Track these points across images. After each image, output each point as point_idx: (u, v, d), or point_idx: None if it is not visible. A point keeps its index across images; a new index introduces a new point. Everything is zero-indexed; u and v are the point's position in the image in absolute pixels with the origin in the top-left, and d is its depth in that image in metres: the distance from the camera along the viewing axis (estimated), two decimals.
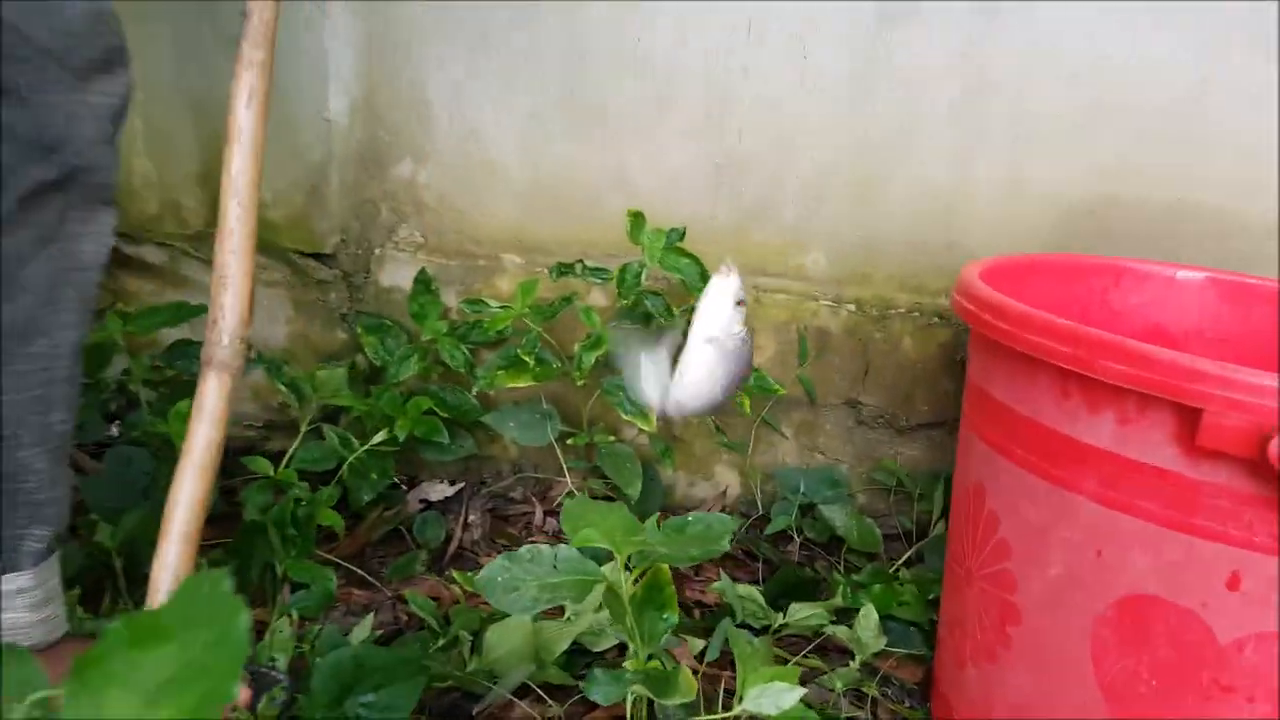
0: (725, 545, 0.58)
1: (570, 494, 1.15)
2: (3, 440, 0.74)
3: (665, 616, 0.61)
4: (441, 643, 0.87)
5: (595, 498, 1.16)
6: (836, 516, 1.06)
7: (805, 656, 0.90)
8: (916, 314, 1.16)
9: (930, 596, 0.96)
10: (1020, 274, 0.91)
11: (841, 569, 1.07)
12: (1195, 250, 1.08)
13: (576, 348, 1.07)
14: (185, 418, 0.99)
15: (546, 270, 1.20)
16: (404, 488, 1.22)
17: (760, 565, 1.08)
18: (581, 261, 1.09)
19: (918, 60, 1.08)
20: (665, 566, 0.62)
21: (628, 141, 1.16)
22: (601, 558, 0.62)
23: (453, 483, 1.24)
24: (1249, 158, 1.05)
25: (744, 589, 0.91)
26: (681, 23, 1.10)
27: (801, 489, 1.14)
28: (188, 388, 1.04)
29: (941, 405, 1.17)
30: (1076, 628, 0.69)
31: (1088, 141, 1.08)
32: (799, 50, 1.09)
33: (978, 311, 0.73)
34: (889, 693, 0.88)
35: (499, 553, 1.11)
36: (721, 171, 1.15)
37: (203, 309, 1.05)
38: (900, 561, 1.07)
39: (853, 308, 1.17)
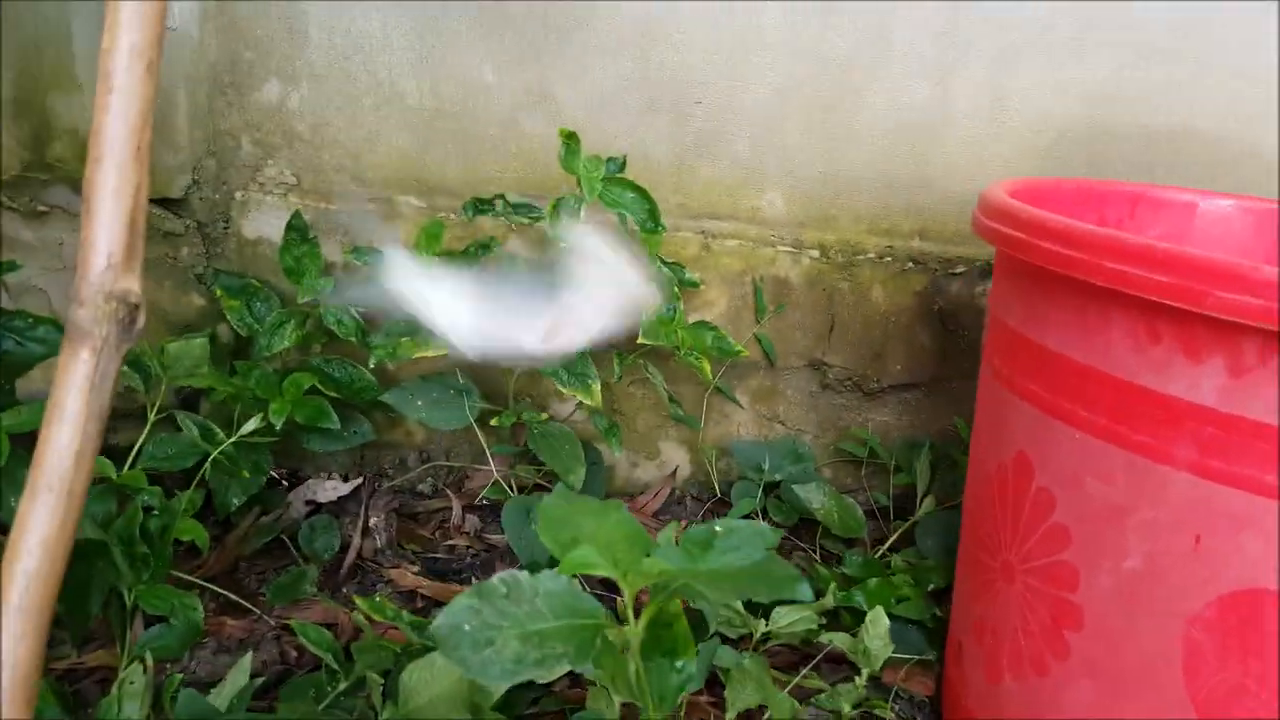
0: (806, 592, 0.39)
1: (496, 484, 0.96)
2: None
3: (680, 665, 0.44)
4: (343, 686, 0.67)
5: (525, 489, 0.97)
6: (813, 497, 0.91)
7: (799, 672, 0.74)
8: (888, 259, 1.01)
9: (930, 587, 0.82)
10: (1035, 198, 0.76)
11: (819, 558, 0.92)
12: (1200, 181, 0.96)
13: None
14: None
15: (454, 217, 0.99)
16: (284, 485, 1.00)
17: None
18: (502, 196, 0.89)
19: None
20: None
21: (550, 52, 0.96)
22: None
23: (346, 478, 1.02)
24: (1258, 82, 0.93)
25: None
26: None
27: (764, 465, 0.98)
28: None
29: (918, 363, 1.03)
30: (1161, 632, 0.55)
31: (1079, 60, 0.95)
32: None
33: (1025, 237, 0.58)
34: (898, 709, 0.73)
35: (409, 563, 0.91)
36: (660, 92, 0.97)
37: (12, 265, 0.81)
38: (885, 546, 0.92)
39: (815, 254, 1.01)
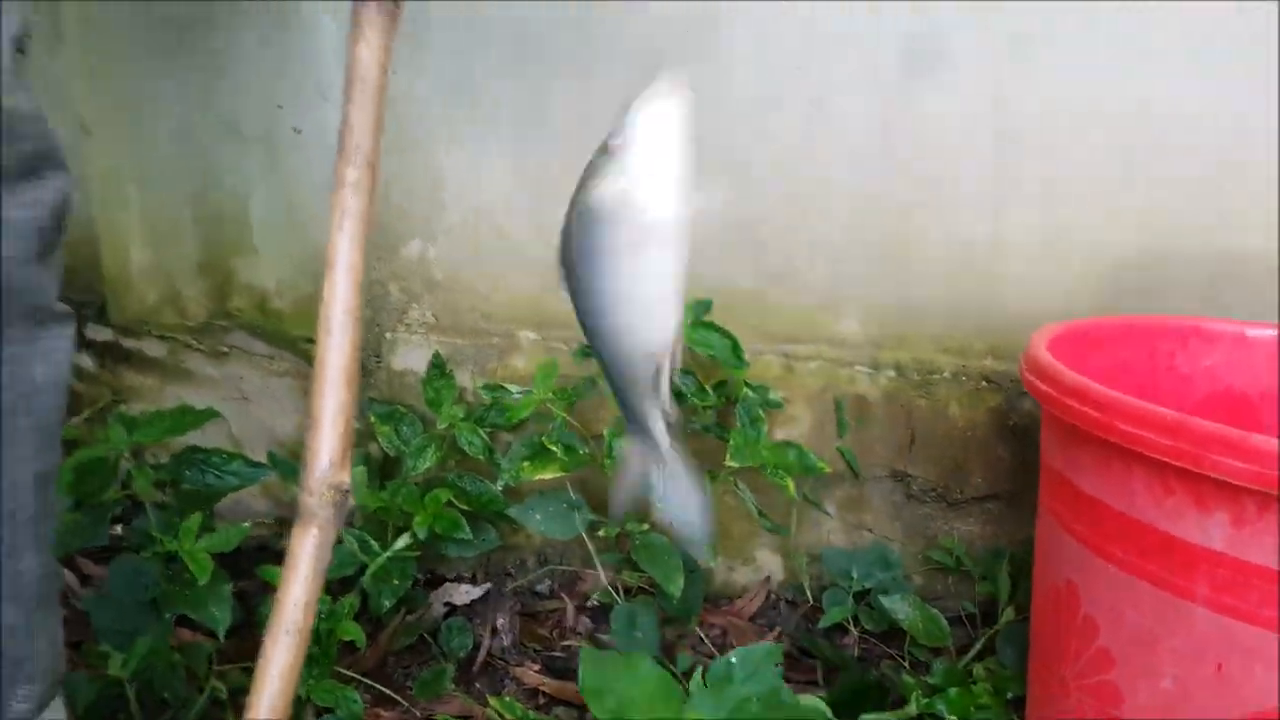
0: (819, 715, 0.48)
1: (604, 589, 1.08)
2: None
3: None
4: None
5: (630, 591, 1.08)
6: (898, 608, 0.99)
7: None
8: (962, 378, 1.09)
9: (1009, 696, 0.88)
10: (1084, 340, 0.85)
11: (907, 665, 0.99)
12: (1253, 301, 1.01)
13: (606, 433, 1.01)
14: (195, 534, 0.93)
15: (564, 346, 1.14)
16: (424, 585, 1.14)
17: (818, 665, 1.00)
18: None
19: (945, 111, 1.03)
20: None
21: None
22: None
23: (474, 578, 1.16)
24: None
25: (808, 701, 0.83)
26: (694, 87, 1.04)
27: (853, 573, 1.06)
28: (197, 499, 0.98)
29: (996, 475, 1.10)
30: None
31: (1128, 191, 1.02)
32: (816, 109, 1.04)
33: (1058, 395, 0.67)
34: None
35: (530, 660, 1.04)
36: (739, 235, 1.09)
37: (212, 413, 0.99)
38: (970, 656, 0.99)
39: (892, 373, 1.11)
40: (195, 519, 0.93)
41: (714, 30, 1.02)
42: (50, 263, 0.66)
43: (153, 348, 1.19)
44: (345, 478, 0.58)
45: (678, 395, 1.00)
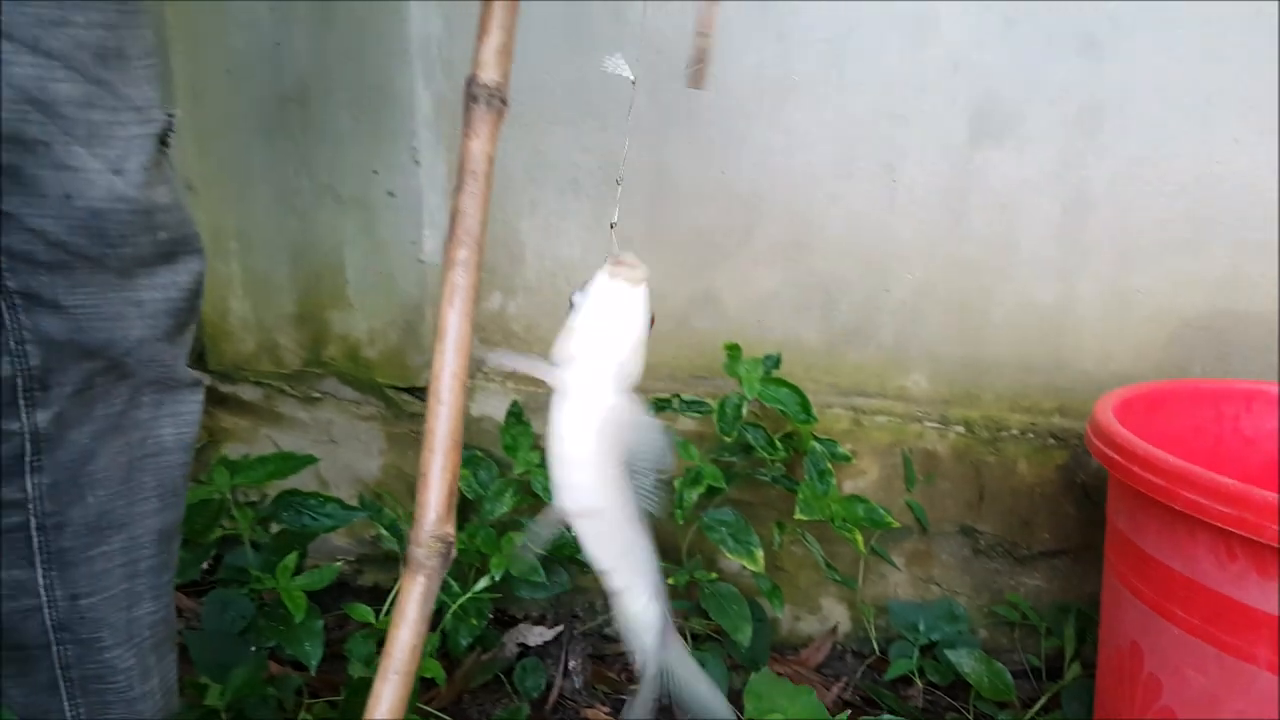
0: None
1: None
2: (83, 643, 0.73)
3: None
4: None
5: (698, 637, 1.13)
6: (964, 661, 1.02)
7: None
8: (1030, 435, 1.12)
9: None
10: (1149, 404, 0.88)
11: (972, 718, 1.02)
12: None
13: (676, 484, 1.06)
14: (291, 572, 1.00)
15: (634, 392, 1.19)
16: (497, 624, 1.20)
17: (883, 717, 1.03)
18: (678, 396, 1.08)
19: (1014, 177, 1.07)
20: None
21: (715, 265, 1.16)
22: None
23: (543, 618, 1.22)
24: None
25: None
26: (766, 155, 1.11)
27: (920, 626, 1.09)
28: (293, 539, 1.06)
29: (1064, 532, 1.12)
30: None
31: (1195, 255, 1.05)
32: (888, 175, 1.09)
33: (1123, 462, 0.70)
34: None
35: (601, 703, 1.09)
36: (811, 293, 1.15)
37: (310, 459, 1.07)
38: (1035, 710, 1.01)
39: (961, 429, 1.14)
40: (292, 558, 1.00)
41: (787, 100, 1.09)
42: (183, 338, 0.73)
43: (248, 392, 1.29)
44: (450, 530, 0.64)
45: (746, 448, 1.05)
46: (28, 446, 0.70)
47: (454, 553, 0.64)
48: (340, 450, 1.28)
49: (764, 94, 1.09)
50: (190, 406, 0.76)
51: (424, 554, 0.63)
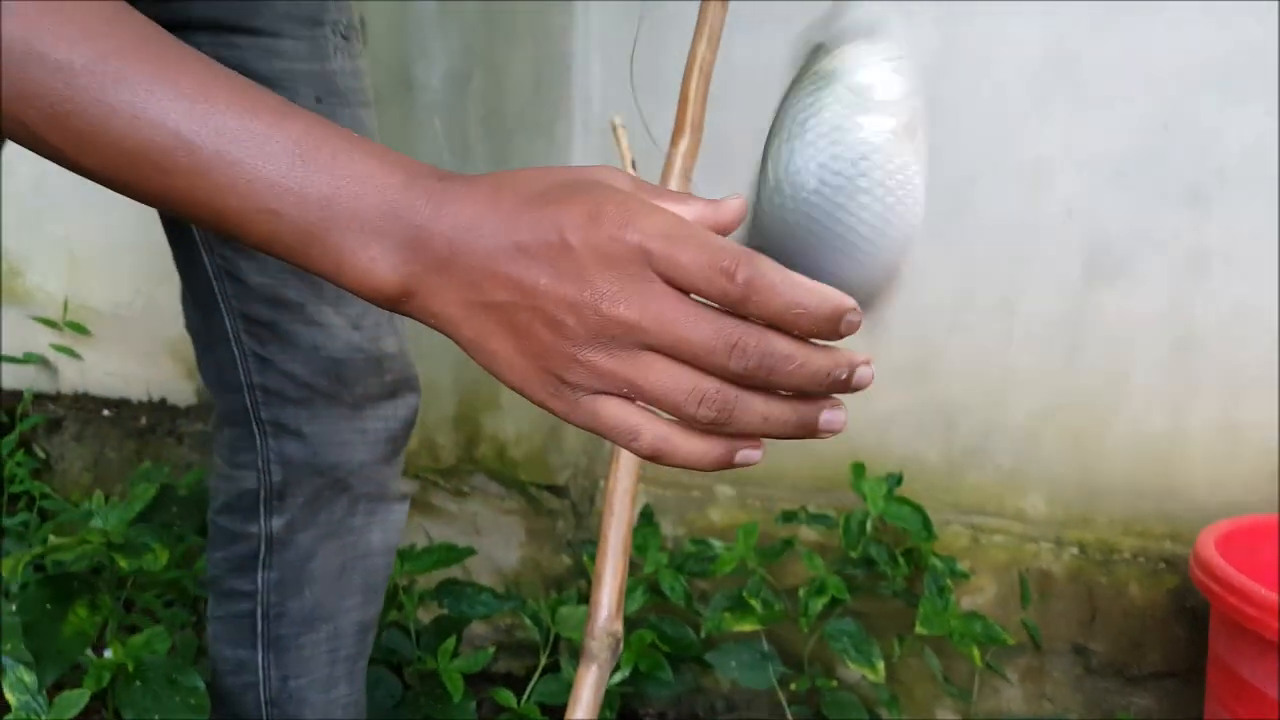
0: None
1: None
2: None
3: None
4: None
5: None
6: None
7: None
8: (1142, 559, 1.24)
9: None
10: (1250, 537, 1.00)
11: None
12: None
13: (801, 593, 1.20)
14: (450, 655, 1.17)
15: (758, 503, 1.35)
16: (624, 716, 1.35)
17: None
18: (804, 509, 1.24)
19: (1126, 316, 1.21)
20: None
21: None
22: None
23: (661, 714, 1.36)
24: None
25: None
26: None
27: None
28: (452, 625, 1.23)
29: (1174, 654, 1.22)
30: None
31: None
32: (1007, 309, 1.24)
33: (1221, 593, 0.83)
34: None
35: None
36: (932, 415, 1.29)
37: (469, 551, 1.25)
38: None
39: (1076, 550, 1.26)
40: (451, 641, 1.18)
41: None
42: (397, 459, 0.92)
43: (407, 485, 1.48)
44: (619, 627, 0.81)
45: (869, 562, 1.19)
46: (262, 547, 0.89)
47: (621, 646, 0.80)
48: (483, 541, 1.46)
49: None
50: (397, 516, 0.94)
51: (597, 646, 0.80)
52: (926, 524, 1.17)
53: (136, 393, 1.55)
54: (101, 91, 0.40)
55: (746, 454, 0.41)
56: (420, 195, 0.41)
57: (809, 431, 0.41)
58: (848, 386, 0.40)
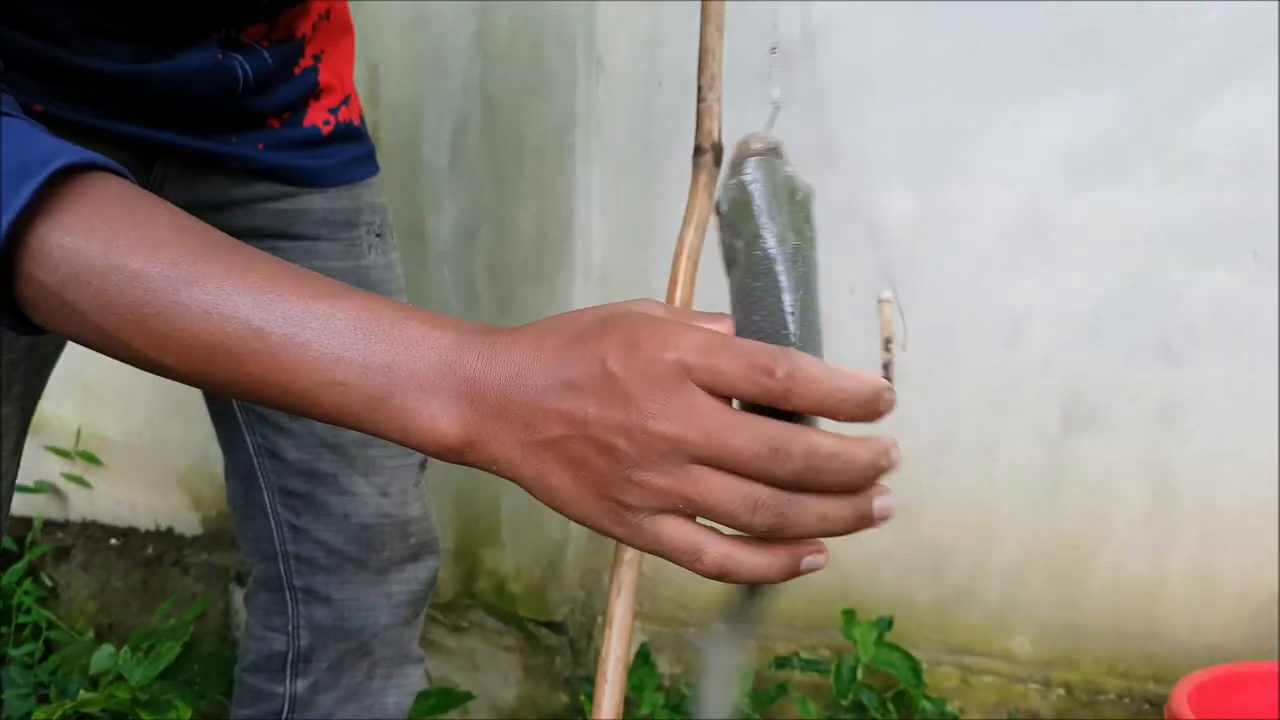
0: None
1: None
2: None
3: None
4: None
5: None
6: None
7: None
8: (1126, 699, 1.29)
9: None
10: (1225, 686, 1.06)
11: None
12: None
13: None
14: None
15: (754, 643, 1.40)
16: None
17: None
18: (798, 654, 1.29)
19: (1104, 463, 1.29)
20: None
21: None
22: None
23: None
24: None
25: None
26: (875, 432, 1.35)
27: None
28: None
29: None
30: None
31: (1274, 536, 1.24)
32: (988, 455, 1.32)
33: None
34: None
35: None
36: (921, 555, 1.36)
37: (468, 696, 1.30)
38: None
39: (1062, 691, 1.31)
40: None
41: (897, 383, 1.34)
42: (417, 621, 0.98)
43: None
44: None
45: (860, 706, 1.25)
46: (286, 707, 0.96)
47: None
48: (480, 677, 1.51)
49: None
50: (413, 680, 1.00)
51: None
52: (916, 670, 1.23)
53: (144, 522, 1.62)
54: (175, 293, 0.45)
55: (812, 560, 0.44)
56: (471, 350, 0.45)
57: (866, 522, 0.44)
58: (889, 470, 0.44)
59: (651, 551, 0.43)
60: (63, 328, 0.48)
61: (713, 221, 0.47)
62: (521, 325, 0.46)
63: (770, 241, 0.45)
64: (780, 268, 0.45)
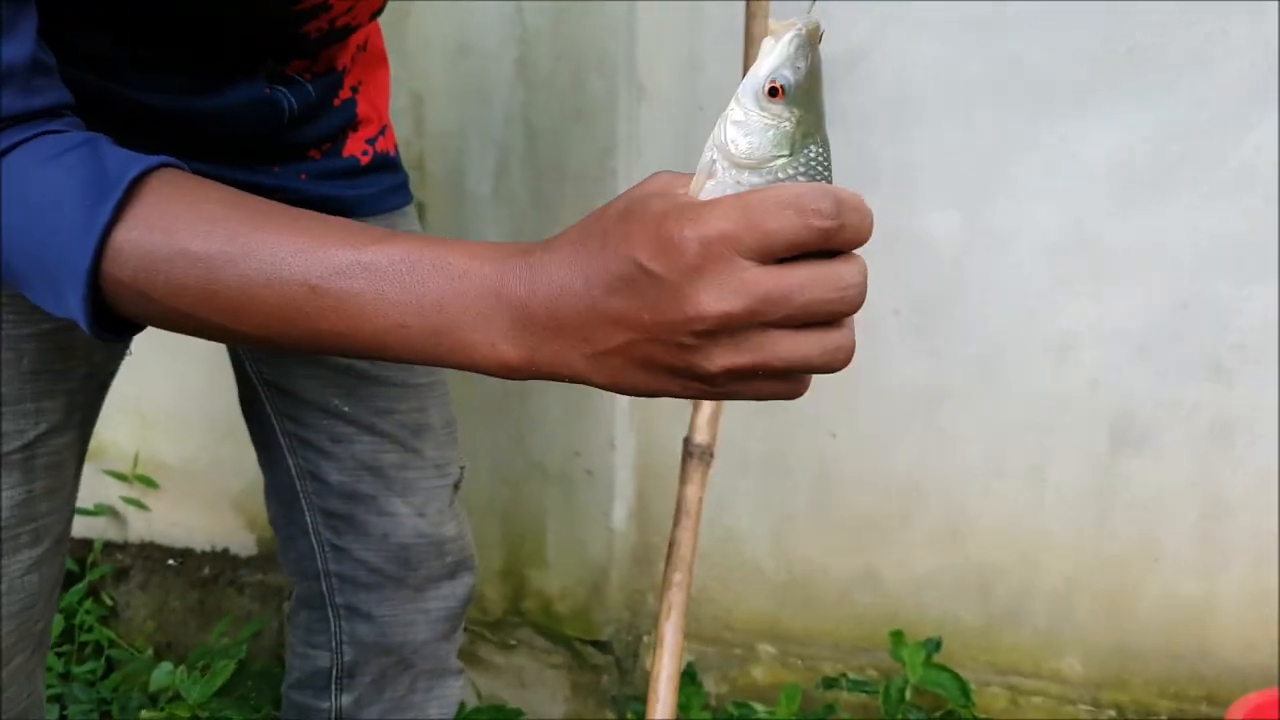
0: None
1: None
2: None
3: None
4: None
5: None
6: None
7: None
8: None
9: None
10: (1268, 712, 1.06)
11: None
12: None
13: None
14: None
15: (800, 662, 1.43)
16: None
17: None
18: (845, 675, 1.31)
19: (1154, 483, 1.29)
20: None
21: (876, 546, 1.41)
22: None
23: None
24: None
25: None
26: (923, 451, 1.37)
27: None
28: None
29: None
30: None
31: None
32: (1037, 476, 1.33)
33: None
34: None
35: None
36: (968, 577, 1.37)
37: (518, 713, 1.34)
38: None
39: (1113, 713, 1.32)
40: None
41: (941, 405, 1.35)
42: (455, 635, 1.02)
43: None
44: None
45: None
46: None
47: None
48: (528, 694, 1.55)
49: (918, 400, 1.36)
50: (454, 691, 1.04)
51: None
52: (965, 690, 1.24)
53: (200, 543, 1.68)
54: (235, 267, 0.49)
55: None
56: (512, 277, 0.47)
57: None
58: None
59: (752, 399, 0.46)
60: (145, 315, 0.53)
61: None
62: (556, 238, 0.48)
63: (824, 133, 0.45)
64: (828, 156, 0.45)
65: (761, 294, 0.42)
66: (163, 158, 0.53)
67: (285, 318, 0.50)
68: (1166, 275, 1.27)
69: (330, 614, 0.99)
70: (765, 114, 0.44)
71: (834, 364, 0.44)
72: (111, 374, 0.85)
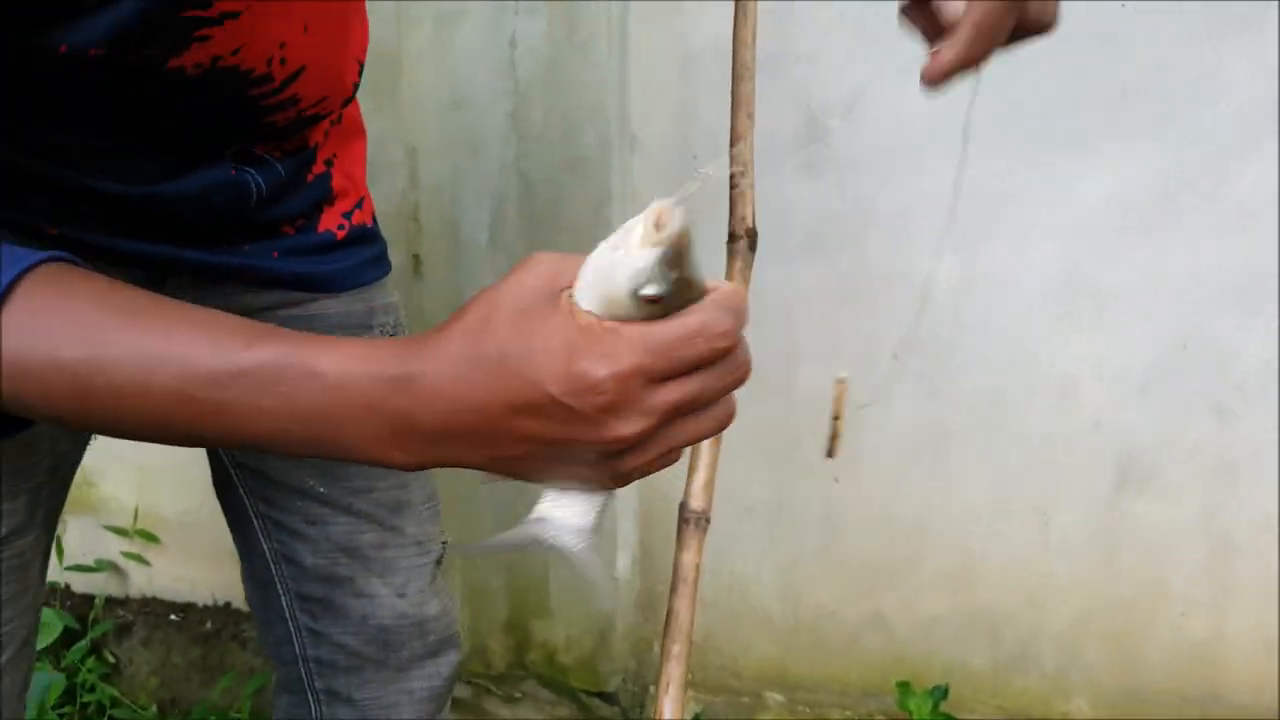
0: None
1: None
2: None
3: None
4: None
5: None
6: None
7: None
8: None
9: None
10: None
11: None
12: None
13: None
14: None
15: (808, 709, 1.43)
16: None
17: None
18: None
19: (1159, 523, 1.30)
20: None
21: (883, 590, 1.41)
22: None
23: None
24: None
25: None
26: (928, 494, 1.38)
27: None
28: None
29: None
30: None
31: None
32: (1042, 518, 1.33)
33: None
34: None
35: None
36: (976, 620, 1.37)
37: None
38: None
39: None
40: None
41: (944, 448, 1.36)
42: (442, 716, 1.01)
43: (460, 690, 1.59)
44: None
45: None
46: None
47: None
48: None
49: (921, 443, 1.37)
50: None
51: None
52: None
53: (202, 597, 1.68)
54: (106, 377, 0.48)
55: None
56: (391, 391, 0.46)
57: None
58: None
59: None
60: (33, 416, 0.52)
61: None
62: (439, 333, 0.47)
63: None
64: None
65: (671, 406, 0.45)
66: (51, 252, 0.51)
67: (163, 424, 0.49)
68: (1166, 314, 1.28)
69: (310, 699, 0.98)
70: (634, 302, 0.45)
71: (724, 428, 0.48)
72: (76, 462, 0.83)
